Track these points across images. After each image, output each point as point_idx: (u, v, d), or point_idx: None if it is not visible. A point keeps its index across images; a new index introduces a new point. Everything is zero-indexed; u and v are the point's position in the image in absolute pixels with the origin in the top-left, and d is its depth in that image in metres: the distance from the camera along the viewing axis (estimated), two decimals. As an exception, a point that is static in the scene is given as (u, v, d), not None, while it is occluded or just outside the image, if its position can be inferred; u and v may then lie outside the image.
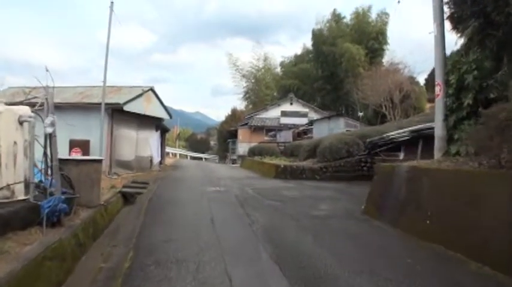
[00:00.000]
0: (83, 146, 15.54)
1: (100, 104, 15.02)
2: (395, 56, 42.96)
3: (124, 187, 12.32)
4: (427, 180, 6.99)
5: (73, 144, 15.61)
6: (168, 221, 7.69)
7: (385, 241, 6.43)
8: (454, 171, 6.55)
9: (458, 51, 9.88)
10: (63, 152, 16.08)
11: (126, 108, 15.99)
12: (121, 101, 15.59)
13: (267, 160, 22.76)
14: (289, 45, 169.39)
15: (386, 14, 44.07)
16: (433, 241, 6.04)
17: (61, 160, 7.20)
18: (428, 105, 36.67)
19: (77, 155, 15.25)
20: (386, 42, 45.15)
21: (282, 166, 17.60)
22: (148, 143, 19.27)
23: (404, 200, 7.47)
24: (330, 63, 43.58)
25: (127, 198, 11.28)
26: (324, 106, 42.65)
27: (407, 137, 14.61)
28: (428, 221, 6.50)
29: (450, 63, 8.94)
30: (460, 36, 9.45)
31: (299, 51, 54.11)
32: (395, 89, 34.06)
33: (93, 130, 15.07)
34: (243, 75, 53.62)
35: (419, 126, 14.20)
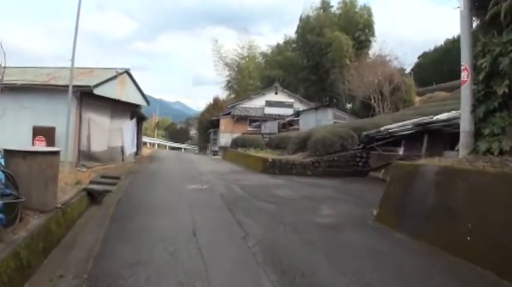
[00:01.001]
0: (48, 134, 13.71)
1: (68, 86, 13.18)
2: (385, 47, 42.24)
3: (91, 182, 10.66)
4: (465, 185, 5.60)
5: (36, 131, 13.79)
6: (137, 233, 6.03)
7: (419, 262, 5.00)
8: (503, 175, 5.17)
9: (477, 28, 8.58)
10: (25, 141, 14.29)
11: (98, 91, 14.15)
12: (91, 84, 13.74)
13: (252, 152, 21.26)
14: (271, 37, 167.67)
15: (373, 3, 43.20)
16: (477, 263, 4.74)
17: (5, 152, 5.83)
18: (417, 98, 35.91)
19: (40, 145, 13.47)
20: (373, 34, 44.37)
21: (270, 160, 16.12)
22: (122, 132, 17.48)
23: (432, 207, 6.06)
24: (316, 53, 42.42)
25: (94, 196, 9.70)
26: (308, 97, 41.36)
27: (409, 131, 13.28)
28: (469, 238, 5.12)
29: (479, 45, 7.54)
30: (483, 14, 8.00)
31: (281, 41, 52.84)
32: (385, 80, 33.14)
33: (60, 116, 13.20)
34: (226, 64, 51.95)
35: (425, 119, 12.88)
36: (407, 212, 6.58)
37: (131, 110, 18.96)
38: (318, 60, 42.38)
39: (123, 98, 16.59)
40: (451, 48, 46.89)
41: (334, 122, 28.32)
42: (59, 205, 7.34)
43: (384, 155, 14.89)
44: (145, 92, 19.56)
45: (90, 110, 14.67)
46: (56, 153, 7.24)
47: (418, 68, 47.73)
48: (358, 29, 43.07)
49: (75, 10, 12.39)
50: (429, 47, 52.22)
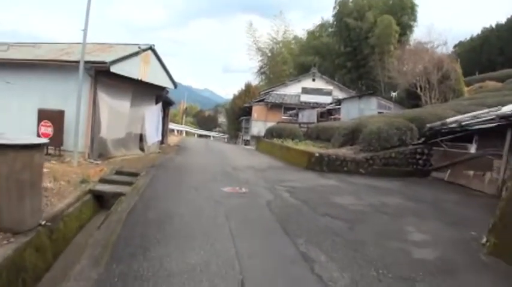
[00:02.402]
0: (55, 118, 11.58)
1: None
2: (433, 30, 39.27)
3: (101, 181, 8.42)
4: None
5: (42, 115, 11.65)
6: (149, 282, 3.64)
7: None
8: None
9: None
10: (29, 126, 12.11)
11: (115, 69, 11.84)
12: (108, 60, 11.43)
13: (291, 144, 18.71)
14: (302, 24, 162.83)
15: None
16: None
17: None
18: (467, 88, 32.75)
19: (45, 131, 11.35)
20: (415, 19, 41.28)
21: (317, 155, 13.53)
22: (145, 118, 15.17)
23: None
24: (354, 38, 39.58)
25: (103, 199, 7.45)
26: (344, 85, 38.57)
27: (490, 125, 10.48)
28: None
29: None
30: None
31: (317, 25, 49.74)
32: (434, 67, 30.18)
33: (71, 98, 11.07)
34: (259, 48, 49.16)
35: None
36: None
37: (156, 94, 16.59)
38: (356, 46, 39.87)
39: (147, 79, 14.23)
40: (489, 37, 44.13)
41: (379, 112, 25.70)
42: (43, 222, 5.10)
43: (450, 152, 12.41)
44: (174, 78, 17.25)
45: (106, 91, 12.39)
46: (37, 147, 4.92)
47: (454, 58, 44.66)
48: (403, 12, 39.92)
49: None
50: (465, 36, 48.65)
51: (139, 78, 13.65)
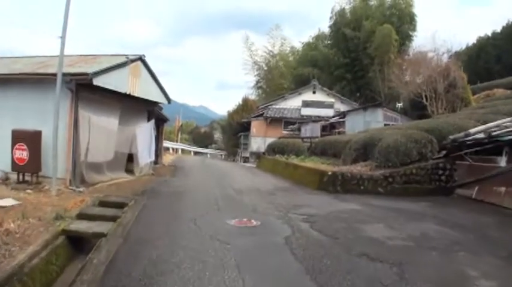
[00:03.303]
0: (31, 140, 10.03)
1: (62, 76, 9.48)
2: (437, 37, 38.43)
3: (80, 216, 6.81)
4: None
5: (17, 137, 10.08)
6: None
7: None
8: None
9: None
10: (3, 149, 10.35)
11: (100, 82, 10.34)
12: (90, 71, 9.92)
13: (297, 161, 17.23)
14: (296, 40, 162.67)
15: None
16: None
17: None
18: (474, 96, 31.65)
19: (20, 155, 9.79)
20: (414, 28, 40.72)
21: (330, 173, 12.02)
22: (136, 136, 13.61)
23: None
24: (352, 49, 38.42)
25: (81, 239, 5.89)
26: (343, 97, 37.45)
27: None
28: None
29: None
30: None
31: (313, 36, 48.87)
32: (440, 76, 29.04)
33: (50, 117, 9.52)
34: (255, 62, 47.86)
35: None
36: None
37: (148, 109, 15.03)
38: (354, 57, 38.79)
39: (137, 93, 12.71)
40: (485, 46, 43.72)
41: (385, 124, 24.40)
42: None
43: (476, 166, 11.06)
44: (167, 92, 15.77)
45: (90, 107, 10.87)
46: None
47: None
48: (402, 22, 39.06)
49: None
50: (459, 45, 47.97)
51: (128, 92, 12.12)
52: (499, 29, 44.87)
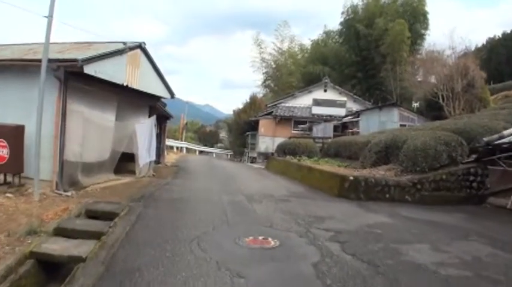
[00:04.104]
0: (12, 136, 8.72)
1: (48, 62, 8.19)
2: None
3: (57, 231, 5.49)
4: None
5: (-4, 131, 8.78)
6: None
7: None
8: None
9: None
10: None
11: (91, 70, 8.98)
12: (80, 57, 8.59)
13: (311, 163, 15.87)
14: (303, 38, 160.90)
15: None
16: None
17: None
18: (492, 96, 30.29)
19: (1, 152, 8.51)
20: (427, 27, 39.57)
21: (351, 178, 10.65)
22: (135, 134, 12.27)
23: None
24: (364, 47, 37.07)
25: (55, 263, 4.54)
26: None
27: None
28: None
29: None
30: None
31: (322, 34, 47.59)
32: (458, 74, 27.65)
33: (36, 109, 8.23)
34: (263, 59, 46.37)
35: None
36: None
37: (149, 105, 13.67)
38: (366, 55, 37.54)
39: (136, 86, 11.36)
40: (496, 47, 42.74)
41: (401, 125, 23.07)
42: None
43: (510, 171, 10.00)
44: (175, 95, 14.45)
45: (82, 99, 9.55)
46: None
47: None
48: (415, 20, 37.74)
49: None
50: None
51: (126, 84, 10.76)
52: (508, 30, 44.46)
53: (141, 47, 11.43)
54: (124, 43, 10.58)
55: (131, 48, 10.74)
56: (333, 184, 11.22)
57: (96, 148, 10.25)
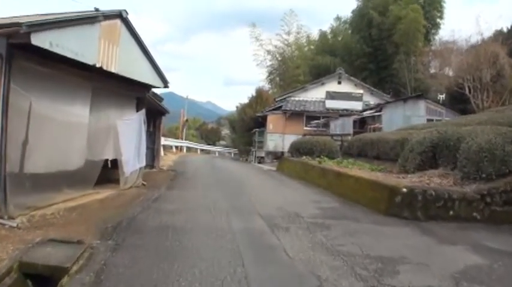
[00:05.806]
0: None
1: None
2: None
3: None
4: None
5: None
6: None
7: None
8: None
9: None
10: None
11: (45, 42, 6.20)
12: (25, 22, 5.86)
13: (336, 165, 13.16)
14: (312, 29, 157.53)
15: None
16: None
17: None
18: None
19: None
20: (441, 16, 38.16)
21: (405, 191, 7.93)
22: (117, 133, 9.50)
23: None
24: (376, 37, 34.91)
25: None
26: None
27: None
28: None
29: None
30: None
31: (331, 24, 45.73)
32: (487, 64, 25.23)
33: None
34: (268, 51, 43.48)
35: None
36: None
37: (136, 95, 10.81)
38: (378, 46, 35.58)
39: (115, 69, 8.54)
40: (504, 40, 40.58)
41: (428, 120, 20.47)
42: None
43: None
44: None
45: (37, 86, 6.81)
46: None
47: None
48: (431, 7, 36.43)
49: None
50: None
51: (99, 65, 7.91)
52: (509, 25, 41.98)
53: (121, 16, 8.42)
54: (96, 8, 7.79)
55: (106, 17, 7.84)
56: (378, 197, 8.53)
57: (58, 153, 7.51)
